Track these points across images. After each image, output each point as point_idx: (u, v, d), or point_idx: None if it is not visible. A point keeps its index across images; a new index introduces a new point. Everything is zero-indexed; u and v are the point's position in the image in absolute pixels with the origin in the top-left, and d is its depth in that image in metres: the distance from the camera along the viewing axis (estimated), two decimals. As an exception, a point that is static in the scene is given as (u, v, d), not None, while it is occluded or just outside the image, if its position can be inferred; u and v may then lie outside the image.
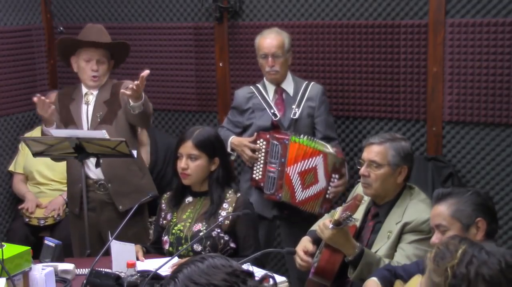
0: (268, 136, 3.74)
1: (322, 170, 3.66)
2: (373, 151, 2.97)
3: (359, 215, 3.04)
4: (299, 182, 3.68)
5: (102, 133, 3.37)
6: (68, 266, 2.95)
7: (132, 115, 3.48)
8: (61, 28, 4.87)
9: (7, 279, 2.50)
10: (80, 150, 3.34)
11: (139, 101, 3.39)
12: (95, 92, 3.69)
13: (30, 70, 4.86)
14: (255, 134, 3.79)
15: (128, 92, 3.31)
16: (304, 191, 3.68)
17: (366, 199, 3.06)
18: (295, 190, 3.69)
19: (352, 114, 4.23)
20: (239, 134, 3.92)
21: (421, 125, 4.06)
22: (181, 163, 3.09)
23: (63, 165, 3.99)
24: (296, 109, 3.80)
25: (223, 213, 3.07)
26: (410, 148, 3.03)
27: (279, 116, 3.80)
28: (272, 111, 3.81)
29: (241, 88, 4.02)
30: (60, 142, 3.35)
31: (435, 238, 2.53)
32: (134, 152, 3.42)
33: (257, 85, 3.92)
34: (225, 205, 3.09)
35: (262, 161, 3.76)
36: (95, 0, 4.90)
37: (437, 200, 2.57)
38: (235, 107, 3.96)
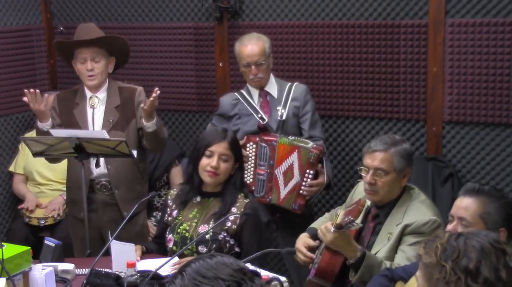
0: (257, 139, 3.74)
1: (297, 164, 3.66)
2: (378, 159, 2.92)
3: (359, 218, 3.03)
4: (283, 181, 3.69)
5: (102, 133, 3.37)
6: (68, 266, 2.95)
7: (146, 135, 3.54)
8: (61, 28, 4.87)
9: (7, 279, 2.50)
10: (80, 150, 3.33)
11: (151, 120, 3.49)
12: (100, 96, 3.67)
13: (30, 70, 4.86)
14: (245, 138, 3.78)
15: (146, 108, 3.42)
16: (285, 189, 3.69)
17: (367, 202, 3.06)
18: (280, 190, 3.70)
19: (352, 114, 4.23)
20: None
21: (421, 125, 4.06)
22: (213, 162, 3.06)
23: (63, 165, 3.99)
24: (283, 111, 3.79)
25: (231, 217, 3.06)
26: (410, 148, 3.02)
27: (266, 119, 3.80)
28: (259, 115, 3.81)
29: (225, 95, 4.03)
30: (60, 142, 3.35)
31: (452, 227, 2.50)
32: (134, 152, 3.42)
33: (241, 91, 3.93)
34: (233, 209, 3.07)
35: (252, 165, 3.77)
36: (95, 0, 4.90)
37: (468, 193, 2.52)
38: (221, 114, 3.95)
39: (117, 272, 2.84)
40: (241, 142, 3.76)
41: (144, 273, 2.71)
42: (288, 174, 3.69)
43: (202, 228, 3.07)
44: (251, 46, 3.78)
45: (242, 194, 3.13)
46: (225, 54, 4.52)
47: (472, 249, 1.82)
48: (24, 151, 4.54)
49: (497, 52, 3.78)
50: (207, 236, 3.02)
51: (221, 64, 4.55)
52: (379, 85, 4.12)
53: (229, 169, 3.10)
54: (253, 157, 3.76)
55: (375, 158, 2.93)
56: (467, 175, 3.98)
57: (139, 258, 3.06)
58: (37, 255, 3.04)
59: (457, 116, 3.94)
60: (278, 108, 3.80)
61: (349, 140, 4.28)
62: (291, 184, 3.69)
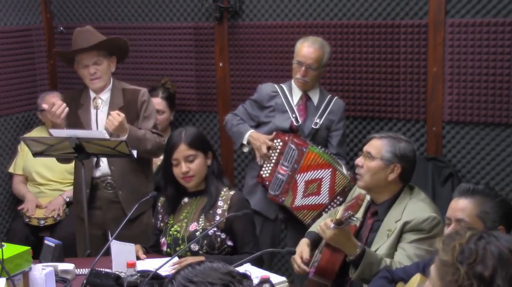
0: (286, 138, 3.72)
1: (328, 184, 3.65)
2: (371, 144, 3.01)
3: (359, 213, 3.03)
4: (303, 189, 3.68)
5: (102, 133, 3.36)
6: (68, 266, 2.95)
7: None
8: (61, 28, 4.87)
9: (7, 279, 2.50)
10: (80, 150, 3.33)
11: (123, 135, 3.44)
12: (104, 97, 3.66)
13: (30, 70, 4.86)
14: (274, 133, 3.77)
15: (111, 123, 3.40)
16: (303, 198, 3.69)
17: (367, 197, 3.06)
18: (297, 196, 3.69)
19: (352, 114, 4.23)
20: (253, 128, 3.89)
21: (421, 125, 4.06)
22: (182, 168, 3.07)
23: (62, 165, 3.98)
24: (318, 120, 3.80)
25: (218, 211, 3.07)
26: (411, 150, 3.00)
27: (300, 122, 3.80)
28: (294, 115, 3.80)
29: (265, 84, 3.97)
30: (60, 142, 3.35)
31: (451, 229, 2.49)
32: (134, 152, 3.42)
33: (282, 85, 3.89)
34: (220, 203, 3.08)
35: (273, 161, 3.75)
36: (95, 0, 4.90)
37: (463, 194, 2.53)
38: (257, 101, 3.91)
39: (117, 272, 2.84)
40: (270, 136, 3.77)
41: (144, 273, 2.71)
42: (312, 186, 3.67)
43: (192, 226, 3.08)
44: (311, 49, 3.74)
45: (226, 187, 3.13)
46: (225, 54, 4.52)
47: (490, 255, 1.78)
48: (23, 152, 4.54)
49: (497, 52, 3.78)
50: (197, 233, 3.02)
51: (221, 64, 4.55)
52: (379, 85, 4.12)
53: (201, 165, 3.10)
54: (276, 154, 3.74)
55: (370, 143, 3.03)
56: (467, 175, 3.98)
57: (145, 256, 3.08)
58: (37, 255, 3.04)
59: (457, 116, 3.94)
60: (314, 116, 3.80)
61: (349, 140, 4.27)
62: (314, 200, 3.68)
